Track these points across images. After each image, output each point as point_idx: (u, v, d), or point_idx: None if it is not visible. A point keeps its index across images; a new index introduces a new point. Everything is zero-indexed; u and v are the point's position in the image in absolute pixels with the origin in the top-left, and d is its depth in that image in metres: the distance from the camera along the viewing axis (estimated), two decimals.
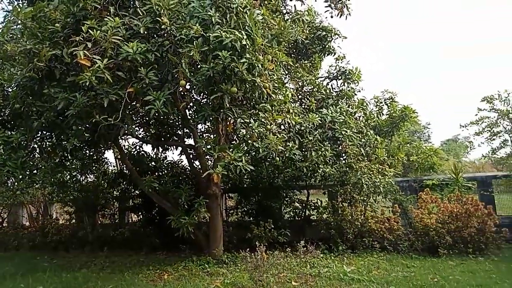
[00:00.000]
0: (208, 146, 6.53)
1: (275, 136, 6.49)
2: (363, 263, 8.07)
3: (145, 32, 5.90)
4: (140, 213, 11.82)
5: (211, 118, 6.46)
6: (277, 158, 6.75)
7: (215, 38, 5.49)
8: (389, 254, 8.74)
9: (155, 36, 6.19)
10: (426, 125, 25.68)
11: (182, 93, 6.53)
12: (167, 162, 11.06)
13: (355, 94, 9.79)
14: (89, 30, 5.42)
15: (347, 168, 9.08)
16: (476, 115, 9.33)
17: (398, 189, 9.91)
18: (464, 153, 21.90)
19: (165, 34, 5.95)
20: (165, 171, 10.76)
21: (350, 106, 9.30)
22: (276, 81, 6.80)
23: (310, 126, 8.35)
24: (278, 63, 6.95)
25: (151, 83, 5.73)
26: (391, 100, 10.28)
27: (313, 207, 10.71)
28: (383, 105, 10.40)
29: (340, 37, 9.63)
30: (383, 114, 10.48)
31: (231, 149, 6.24)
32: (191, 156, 9.75)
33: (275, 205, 10.73)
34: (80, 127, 6.69)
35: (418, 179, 10.73)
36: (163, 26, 5.71)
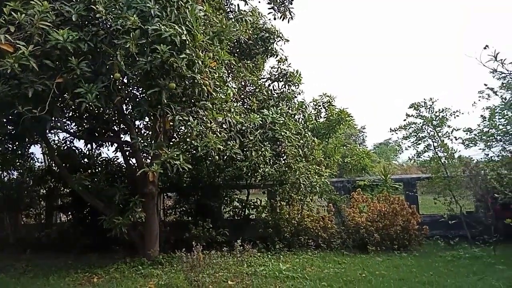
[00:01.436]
0: (144, 143, 6.29)
1: (215, 135, 6.43)
2: (298, 260, 8.30)
3: (78, 20, 5.54)
4: (69, 213, 11.08)
5: (148, 114, 6.23)
6: (217, 157, 6.70)
7: (153, 31, 5.30)
8: (323, 252, 9.08)
9: (88, 24, 5.83)
10: (361, 129, 27.22)
11: (118, 86, 6.21)
12: (101, 159, 10.49)
13: (295, 97, 10.05)
14: (12, 13, 4.96)
15: (286, 168, 9.30)
16: (405, 120, 10.04)
17: (333, 189, 10.36)
18: (394, 156, 23.58)
19: (100, 23, 5.64)
20: (99, 169, 10.19)
21: (290, 108, 9.53)
22: (217, 80, 6.74)
23: (251, 126, 8.42)
24: (220, 61, 6.90)
25: (83, 74, 5.38)
26: (328, 103, 10.72)
27: (252, 207, 10.82)
28: (321, 108, 10.80)
29: (282, 39, 9.83)
30: (321, 117, 10.89)
31: (169, 147, 6.08)
32: (127, 153, 9.33)
33: (214, 205, 10.67)
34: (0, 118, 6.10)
35: (351, 180, 11.30)
36: (98, 15, 5.40)
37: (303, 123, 9.92)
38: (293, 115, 9.39)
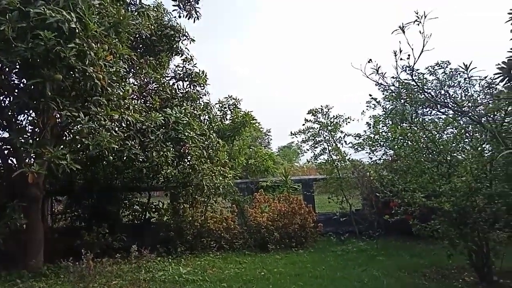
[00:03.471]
0: (22, 140, 5.55)
1: (109, 133, 5.98)
2: (200, 263, 8.19)
3: None
4: None
5: (29, 108, 5.51)
6: (111, 158, 6.24)
7: (36, 14, 4.72)
8: (225, 253, 9.10)
9: None
10: (267, 132, 28.23)
11: None
12: None
13: (201, 97, 9.95)
14: None
15: (190, 170, 9.13)
16: (303, 125, 10.65)
17: (237, 190, 10.48)
18: (295, 158, 25.00)
19: None
20: None
21: (195, 109, 9.39)
22: (114, 74, 6.29)
23: (152, 126, 8.06)
24: (118, 55, 6.47)
25: None
26: (234, 106, 10.84)
27: (154, 210, 10.38)
28: (227, 110, 10.88)
29: (188, 38, 9.65)
30: (226, 119, 10.97)
31: (56, 146, 5.47)
32: (6, 151, 8.16)
33: (112, 209, 9.97)
34: None
35: (255, 181, 11.58)
36: None
37: (208, 124, 9.86)
38: (198, 116, 9.27)
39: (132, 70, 8.98)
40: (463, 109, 5.67)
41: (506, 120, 5.51)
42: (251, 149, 14.33)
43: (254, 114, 11.50)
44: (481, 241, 5.80)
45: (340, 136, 10.47)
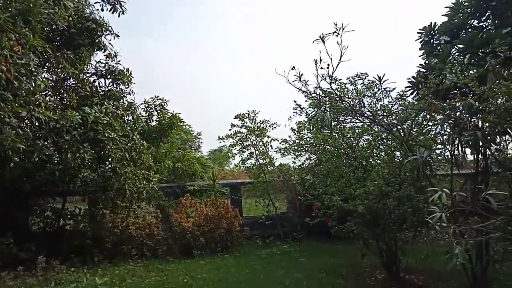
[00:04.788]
0: None
1: (14, 132, 5.37)
2: (119, 272, 7.74)
3: None
4: None
5: None
6: (16, 158, 5.61)
7: None
8: (147, 260, 8.72)
9: None
10: (197, 135, 27.86)
11: None
12: None
13: (124, 96, 9.44)
14: None
15: (111, 173, 8.61)
16: (230, 130, 10.66)
17: (162, 194, 10.13)
18: (226, 162, 24.97)
19: None
20: None
21: (118, 108, 8.87)
22: (22, 67, 5.66)
23: (68, 125, 7.42)
24: (28, 46, 5.84)
25: None
26: (161, 107, 10.48)
27: (69, 216, 9.57)
28: (153, 111, 10.48)
29: (112, 33, 9.11)
30: (152, 120, 10.56)
31: None
32: None
33: (19, 215, 9.00)
34: None
35: (181, 185, 11.31)
36: None
37: (131, 125, 9.37)
38: (120, 116, 8.75)
39: (47, 64, 8.22)
40: (377, 118, 6.10)
41: (414, 130, 6.05)
42: (180, 152, 14.01)
43: (184, 116, 11.29)
44: (391, 241, 6.27)
45: (267, 141, 10.67)
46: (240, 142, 10.75)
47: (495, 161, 4.96)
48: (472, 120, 4.62)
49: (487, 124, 4.48)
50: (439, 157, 6.00)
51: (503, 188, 4.76)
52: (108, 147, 8.14)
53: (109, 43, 9.20)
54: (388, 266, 6.51)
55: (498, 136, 4.76)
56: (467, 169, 5.63)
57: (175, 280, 7.16)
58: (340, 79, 7.19)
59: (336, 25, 3.91)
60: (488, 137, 4.49)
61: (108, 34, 9.07)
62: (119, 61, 9.27)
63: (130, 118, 9.47)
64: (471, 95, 4.65)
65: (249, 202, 11.78)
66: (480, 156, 5.04)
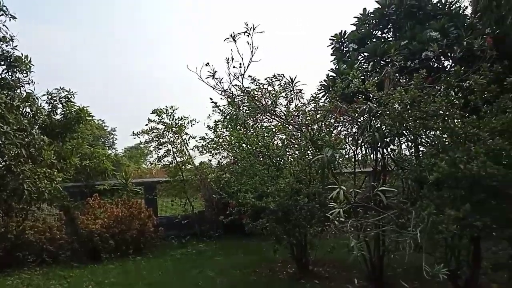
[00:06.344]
0: None
1: None
2: (11, 283, 6.94)
3: None
4: None
5: None
6: None
7: None
8: (47, 267, 7.95)
9: None
10: (111, 131, 26.24)
11: None
12: None
13: (22, 86, 8.44)
14: None
15: (5, 172, 7.68)
16: (147, 125, 10.20)
17: (67, 195, 9.31)
18: (143, 160, 23.89)
19: None
20: None
21: (13, 99, 7.90)
22: None
23: None
24: None
25: None
26: (67, 99, 9.60)
27: None
28: (57, 103, 9.55)
29: (7, 14, 8.06)
30: (57, 113, 9.63)
31: None
32: None
33: None
34: None
35: (90, 185, 10.53)
36: None
37: (30, 118, 8.42)
38: (16, 107, 7.80)
39: None
40: (290, 118, 6.30)
41: (325, 130, 6.37)
42: (92, 149, 12.94)
43: (97, 111, 10.51)
44: (301, 236, 6.55)
45: (185, 138, 10.43)
46: (157, 139, 10.34)
47: (391, 160, 5.46)
48: (373, 122, 5.01)
49: (384, 126, 4.89)
50: (345, 156, 6.44)
51: (399, 185, 5.26)
52: (0, 142, 7.22)
53: (3, 25, 8.14)
54: (298, 260, 6.79)
55: (395, 138, 5.25)
56: (370, 167, 6.12)
57: (78, 287, 6.62)
58: (258, 79, 7.34)
59: (247, 25, 3.92)
60: (385, 138, 4.90)
61: (2, 14, 8.02)
62: (15, 46, 8.25)
63: (28, 110, 8.49)
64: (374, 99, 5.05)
65: (166, 201, 11.40)
66: (378, 155, 5.50)
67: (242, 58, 4.12)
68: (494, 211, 3.81)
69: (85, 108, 9.55)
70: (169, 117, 10.28)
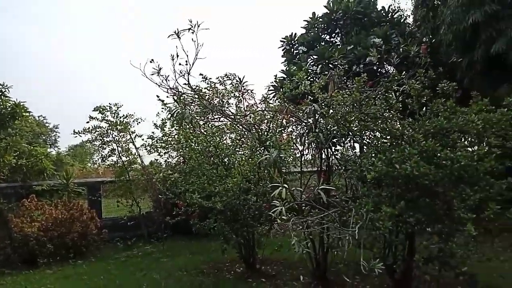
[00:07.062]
0: None
1: None
2: None
3: None
4: None
5: None
6: None
7: None
8: None
9: None
10: (54, 128, 24.69)
11: None
12: None
13: None
14: None
15: None
16: (88, 122, 9.67)
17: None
18: (89, 159, 22.73)
19: None
20: None
21: None
22: None
23: None
24: None
25: None
26: (0, 93, 8.84)
27: None
28: None
29: None
30: None
31: None
32: None
33: None
34: None
35: (26, 185, 9.81)
36: None
37: None
38: None
39: None
40: (240, 117, 6.30)
41: (275, 130, 6.44)
42: (31, 147, 12.06)
43: (39, 107, 9.80)
44: (249, 235, 6.58)
45: (130, 137, 10.04)
46: (100, 138, 9.85)
47: (335, 159, 5.64)
48: (318, 123, 5.14)
49: (329, 127, 5.05)
50: (293, 156, 6.56)
51: (343, 184, 5.44)
52: None
53: None
54: (246, 259, 6.81)
55: (339, 138, 5.43)
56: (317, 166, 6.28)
57: None
58: (210, 78, 7.25)
59: (191, 22, 3.85)
60: (329, 139, 5.05)
61: None
62: None
63: None
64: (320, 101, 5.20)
65: (112, 202, 10.92)
66: (324, 155, 5.65)
67: (187, 56, 4.04)
68: (427, 208, 4.07)
69: (21, 103, 8.85)
70: (113, 114, 9.83)
